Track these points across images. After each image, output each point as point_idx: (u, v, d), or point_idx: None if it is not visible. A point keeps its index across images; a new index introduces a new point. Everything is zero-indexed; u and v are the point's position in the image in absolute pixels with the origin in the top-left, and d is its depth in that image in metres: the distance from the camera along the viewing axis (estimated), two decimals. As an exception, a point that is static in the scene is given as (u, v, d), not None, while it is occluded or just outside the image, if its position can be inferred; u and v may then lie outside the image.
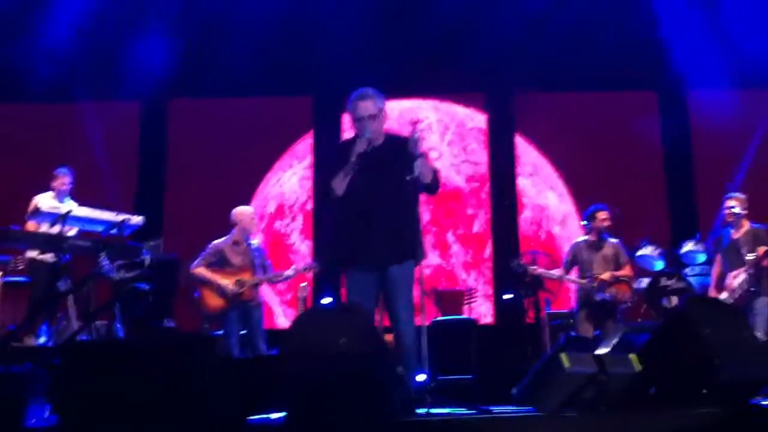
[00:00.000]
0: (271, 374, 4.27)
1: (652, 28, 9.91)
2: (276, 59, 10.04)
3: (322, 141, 10.42)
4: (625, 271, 7.41)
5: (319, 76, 10.26)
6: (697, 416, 3.62)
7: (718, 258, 7.28)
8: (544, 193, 10.56)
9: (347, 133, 10.05)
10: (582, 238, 7.63)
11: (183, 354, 3.74)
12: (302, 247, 10.17)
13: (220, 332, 7.29)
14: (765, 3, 9.76)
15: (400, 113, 10.18)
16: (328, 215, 5.08)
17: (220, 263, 7.20)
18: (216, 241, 7.32)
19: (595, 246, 7.45)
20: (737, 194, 7.21)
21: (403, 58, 10.09)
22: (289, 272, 7.48)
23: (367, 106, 4.80)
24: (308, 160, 10.52)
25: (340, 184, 4.78)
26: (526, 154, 10.59)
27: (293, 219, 10.35)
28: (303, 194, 10.46)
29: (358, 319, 4.05)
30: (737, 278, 6.92)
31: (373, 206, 4.77)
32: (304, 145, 10.57)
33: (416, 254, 4.78)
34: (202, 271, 7.15)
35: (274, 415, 4.36)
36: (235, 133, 10.18)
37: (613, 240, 7.52)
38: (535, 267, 7.66)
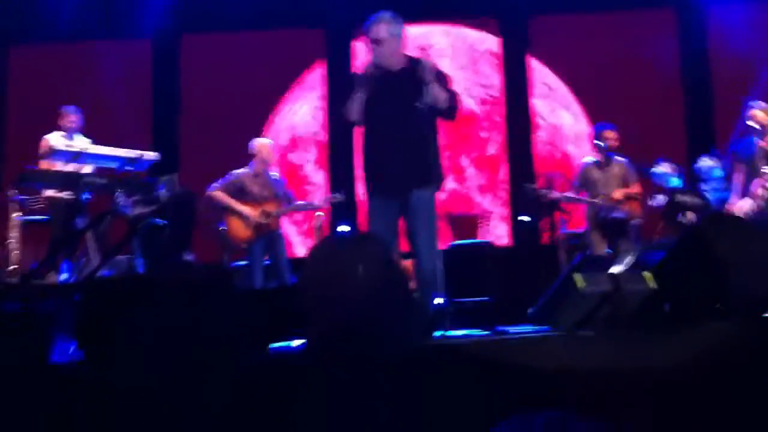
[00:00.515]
0: (290, 303, 4.33)
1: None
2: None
3: (334, 72, 10.35)
4: (635, 189, 7.44)
5: (329, 6, 10.11)
6: (711, 331, 3.65)
7: (740, 167, 7.21)
8: (557, 112, 10.48)
9: (361, 60, 10.00)
10: (590, 158, 7.64)
11: (201, 287, 3.80)
12: (317, 178, 10.19)
13: (243, 263, 7.39)
14: None
15: (411, 39, 10.08)
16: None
17: (239, 193, 7.22)
18: (236, 171, 7.35)
19: (604, 165, 7.46)
20: (761, 103, 7.10)
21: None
22: (315, 202, 7.55)
23: (378, 30, 4.80)
24: (318, 91, 10.45)
25: (351, 108, 4.83)
26: (540, 74, 10.47)
27: (306, 150, 10.34)
28: (315, 125, 10.42)
29: (374, 247, 4.07)
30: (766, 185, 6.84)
31: (391, 132, 4.79)
32: (314, 77, 10.49)
33: (435, 179, 4.79)
34: (220, 195, 7.18)
35: (295, 342, 4.45)
36: (247, 67, 10.12)
37: (620, 159, 7.52)
38: (548, 191, 7.62)
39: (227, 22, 9.93)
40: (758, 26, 9.74)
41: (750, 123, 7.03)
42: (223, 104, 9.98)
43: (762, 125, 7.00)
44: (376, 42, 4.80)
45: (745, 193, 7.05)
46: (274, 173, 7.55)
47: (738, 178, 7.22)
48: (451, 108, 4.87)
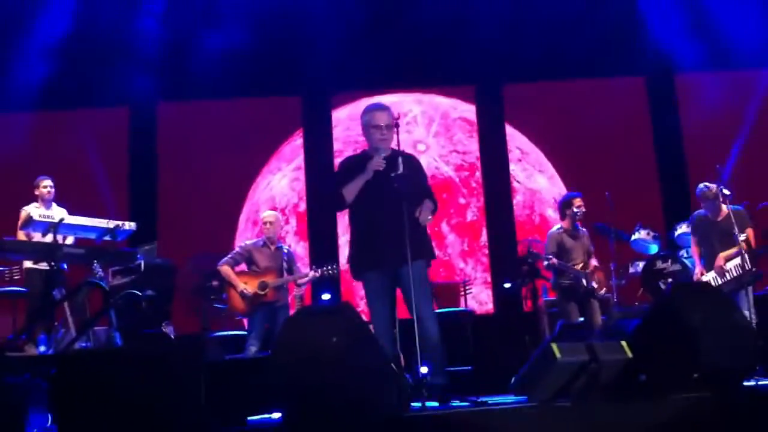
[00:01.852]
0: (267, 374, 4.30)
1: (638, 14, 9.94)
2: (263, 59, 10.03)
3: (311, 140, 10.44)
4: (596, 260, 7.50)
5: (306, 74, 10.23)
6: (688, 401, 3.64)
7: (694, 240, 7.36)
8: (533, 176, 10.57)
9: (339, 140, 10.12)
10: (557, 226, 7.60)
11: (173, 360, 3.78)
12: (298, 249, 10.14)
13: (244, 332, 7.43)
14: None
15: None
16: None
17: (248, 263, 7.40)
18: (247, 242, 7.58)
19: (573, 234, 7.44)
20: (708, 185, 7.24)
21: (394, 52, 10.11)
22: (310, 274, 7.54)
23: (384, 116, 5.10)
24: (296, 162, 10.49)
25: (351, 192, 5.01)
26: (514, 139, 10.59)
27: (286, 222, 10.33)
28: (294, 196, 10.44)
29: (349, 317, 4.07)
30: (731, 260, 6.94)
31: (382, 214, 4.92)
32: (291, 147, 10.55)
33: (425, 254, 5.01)
34: (226, 270, 7.34)
35: (275, 415, 4.40)
36: (225, 135, 10.14)
37: (584, 229, 7.55)
38: (551, 259, 7.51)
39: (205, 90, 9.96)
40: (726, 92, 9.95)
41: (702, 201, 7.21)
42: (201, 172, 9.96)
43: (712, 203, 7.16)
44: (385, 127, 5.06)
45: (709, 264, 7.13)
46: (285, 246, 7.68)
47: (695, 251, 7.35)
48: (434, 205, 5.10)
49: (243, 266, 7.46)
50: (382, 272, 4.98)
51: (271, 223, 7.49)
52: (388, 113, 5.11)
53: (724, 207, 7.14)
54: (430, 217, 4.97)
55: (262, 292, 7.20)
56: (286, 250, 7.59)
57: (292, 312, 7.43)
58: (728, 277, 6.91)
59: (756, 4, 9.79)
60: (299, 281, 7.57)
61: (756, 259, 6.91)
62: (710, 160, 8.08)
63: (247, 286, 7.21)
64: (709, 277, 7.05)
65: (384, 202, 4.90)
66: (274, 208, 9.52)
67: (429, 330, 4.85)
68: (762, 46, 9.75)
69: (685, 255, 8.17)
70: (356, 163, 5.13)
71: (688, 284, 6.71)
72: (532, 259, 7.52)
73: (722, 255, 6.97)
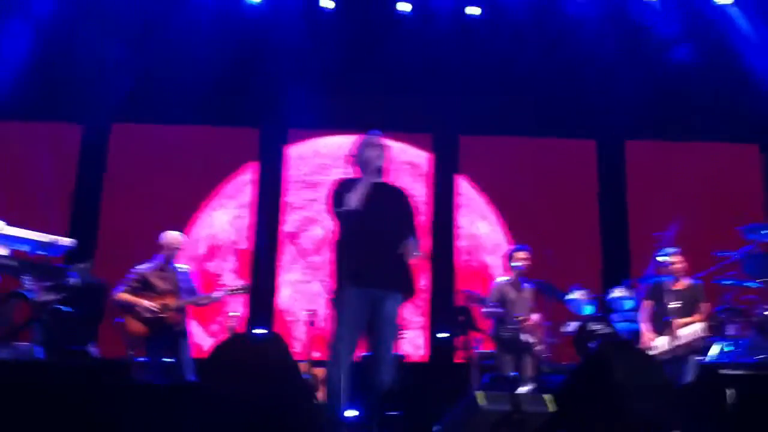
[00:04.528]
0: (189, 401, 4.23)
1: (592, 78, 10.18)
2: (222, 89, 10.01)
3: (267, 172, 10.43)
4: (538, 315, 7.59)
5: (264, 109, 10.25)
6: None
7: (647, 304, 7.47)
8: (475, 223, 10.67)
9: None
10: (504, 278, 7.74)
11: (95, 379, 3.70)
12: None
13: (144, 359, 7.16)
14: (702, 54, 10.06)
15: (329, 150, 10.47)
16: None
17: (144, 288, 7.10)
18: (139, 266, 7.23)
19: (517, 286, 7.58)
20: (673, 250, 7.44)
21: (356, 93, 10.21)
22: (216, 294, 7.28)
23: (378, 138, 5.32)
24: (239, 199, 10.45)
25: (355, 195, 4.92)
26: (458, 185, 10.71)
27: (224, 260, 10.26)
28: (234, 234, 10.39)
29: (278, 348, 4.04)
30: (689, 327, 7.15)
31: (383, 232, 4.92)
32: (234, 185, 10.49)
33: (404, 287, 4.98)
34: (125, 296, 7.06)
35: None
36: (176, 161, 10.09)
37: (528, 285, 7.67)
38: (493, 306, 7.57)
39: (162, 114, 9.90)
40: (673, 160, 10.26)
41: (664, 268, 7.38)
42: (146, 196, 9.87)
43: (674, 271, 7.39)
44: (383, 147, 5.24)
45: (659, 328, 7.27)
46: (183, 266, 7.41)
47: (645, 315, 7.47)
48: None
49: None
50: (363, 294, 4.81)
51: (181, 247, 7.32)
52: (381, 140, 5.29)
53: (685, 279, 7.42)
54: (416, 253, 4.87)
55: (165, 314, 6.97)
56: (182, 270, 7.31)
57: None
58: (681, 343, 7.13)
59: (707, 77, 10.06)
60: (200, 302, 7.31)
61: (711, 330, 7.22)
62: (653, 228, 8.28)
63: (153, 304, 6.98)
64: (663, 341, 7.20)
65: (374, 226, 4.89)
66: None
67: (386, 374, 4.79)
68: (713, 119, 10.04)
69: (617, 318, 8.29)
70: (353, 183, 5.10)
71: (615, 342, 6.84)
72: (472, 303, 7.58)
73: (679, 321, 7.17)
